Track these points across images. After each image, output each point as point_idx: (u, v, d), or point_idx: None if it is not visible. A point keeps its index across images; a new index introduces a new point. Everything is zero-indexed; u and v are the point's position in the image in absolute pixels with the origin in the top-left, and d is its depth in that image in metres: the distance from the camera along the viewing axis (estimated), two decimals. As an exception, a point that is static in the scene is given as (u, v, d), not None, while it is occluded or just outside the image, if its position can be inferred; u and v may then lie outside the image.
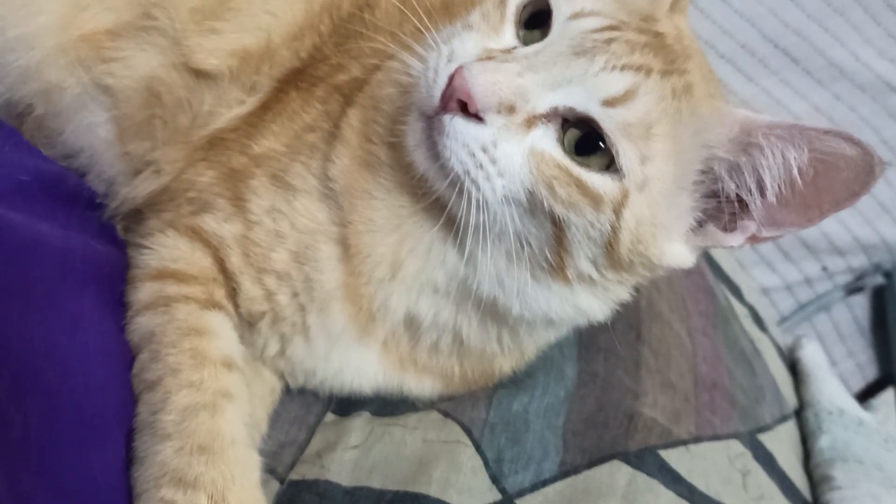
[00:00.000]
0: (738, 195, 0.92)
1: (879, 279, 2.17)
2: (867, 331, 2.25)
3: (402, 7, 1.04)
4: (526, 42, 0.94)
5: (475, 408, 1.16)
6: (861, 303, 2.24)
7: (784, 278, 2.18)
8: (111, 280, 1.03)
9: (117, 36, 1.11)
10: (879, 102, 2.04)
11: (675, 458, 1.17)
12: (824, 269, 2.18)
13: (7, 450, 0.80)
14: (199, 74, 1.10)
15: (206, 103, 1.11)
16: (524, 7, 0.96)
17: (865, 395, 2.09)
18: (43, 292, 0.91)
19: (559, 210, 0.88)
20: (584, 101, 0.87)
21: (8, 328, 0.84)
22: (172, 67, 1.11)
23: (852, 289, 2.21)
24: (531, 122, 0.88)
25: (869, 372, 2.26)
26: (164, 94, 1.11)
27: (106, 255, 1.06)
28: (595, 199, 0.88)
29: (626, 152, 0.87)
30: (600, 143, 0.88)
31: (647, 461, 1.14)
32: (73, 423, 0.86)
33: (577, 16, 0.93)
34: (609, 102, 0.87)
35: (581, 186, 0.87)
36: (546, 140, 0.88)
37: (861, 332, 2.25)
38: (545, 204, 0.88)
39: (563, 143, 0.89)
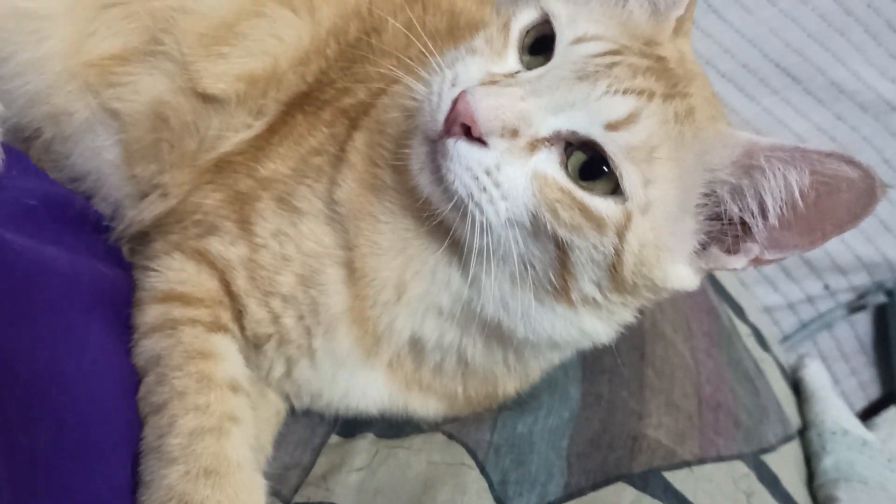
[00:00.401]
0: (741, 218, 0.92)
1: (881, 297, 2.16)
2: (869, 349, 2.24)
3: (407, 32, 1.04)
4: (529, 67, 0.95)
5: (480, 429, 1.16)
6: (863, 321, 2.23)
7: (786, 297, 2.18)
8: (117, 303, 1.03)
9: (125, 61, 1.12)
10: (881, 122, 2.04)
11: (679, 479, 1.17)
12: (826, 287, 2.18)
13: (15, 473, 0.80)
14: (207, 99, 1.11)
15: (213, 127, 1.12)
16: (527, 32, 0.97)
17: (868, 414, 2.08)
18: (50, 317, 0.91)
19: (562, 233, 0.88)
20: (587, 125, 0.88)
21: (15, 353, 0.84)
22: (180, 92, 1.11)
23: (854, 307, 2.20)
24: (534, 145, 0.88)
25: (871, 390, 2.25)
26: (171, 118, 1.12)
27: (112, 278, 1.06)
28: (598, 223, 0.88)
29: (629, 175, 0.87)
30: (604, 168, 0.88)
31: (652, 483, 1.14)
32: (79, 447, 0.86)
33: (579, 40, 0.93)
34: (612, 126, 0.87)
35: (584, 210, 0.88)
36: (549, 163, 0.89)
37: (863, 351, 2.24)
38: (549, 227, 0.88)
39: (566, 167, 0.89)
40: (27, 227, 0.99)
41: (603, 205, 0.88)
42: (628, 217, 0.88)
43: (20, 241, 0.94)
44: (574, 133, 0.88)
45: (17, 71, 1.10)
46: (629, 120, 0.88)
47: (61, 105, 1.12)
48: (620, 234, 0.89)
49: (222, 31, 1.11)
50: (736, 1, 1.93)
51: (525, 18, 0.97)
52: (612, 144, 0.87)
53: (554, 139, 0.89)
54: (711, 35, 1.95)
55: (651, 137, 0.88)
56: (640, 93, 0.89)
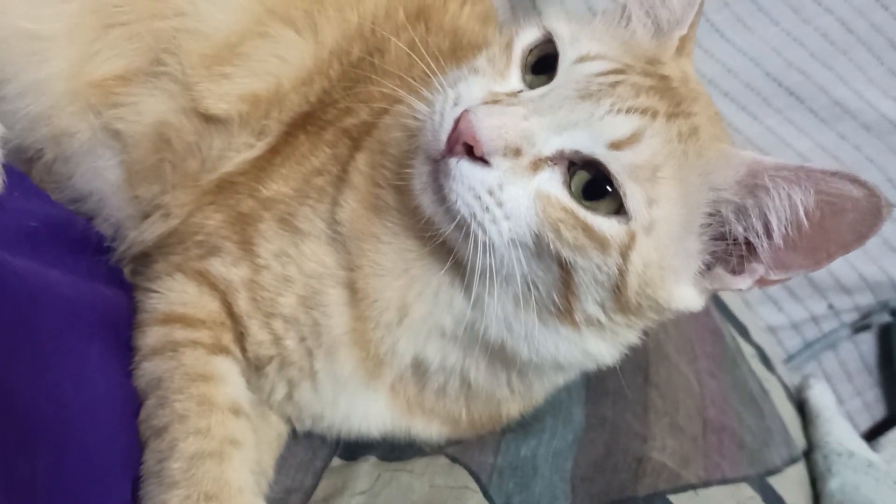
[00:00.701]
0: (745, 238, 0.91)
1: (886, 317, 2.15)
2: (874, 369, 2.23)
3: (410, 52, 1.04)
4: (532, 86, 0.94)
5: (483, 452, 1.15)
6: (868, 341, 2.22)
7: (790, 317, 2.17)
8: (118, 325, 1.03)
9: (127, 81, 1.12)
10: (884, 141, 2.04)
11: (684, 502, 1.15)
12: (830, 307, 2.17)
13: (14, 499, 0.79)
14: (209, 119, 1.11)
15: (215, 147, 1.12)
16: (530, 51, 0.97)
17: (873, 434, 2.07)
18: (50, 342, 0.90)
19: (566, 253, 0.87)
20: (590, 145, 0.87)
21: (16, 378, 0.84)
22: (182, 112, 1.11)
23: (859, 327, 2.19)
24: (537, 165, 0.88)
25: (876, 410, 2.24)
26: (173, 139, 1.12)
27: (113, 300, 1.06)
28: (601, 243, 0.87)
29: (633, 194, 0.87)
30: (608, 187, 0.87)
31: (657, 506, 1.13)
32: (79, 473, 0.86)
33: (582, 59, 0.93)
34: (615, 145, 0.87)
35: (587, 230, 0.87)
36: (552, 183, 0.88)
37: (868, 371, 2.23)
38: (552, 247, 0.87)
39: (569, 187, 0.88)
40: (28, 249, 0.99)
41: (606, 224, 0.87)
42: (632, 237, 0.88)
43: (21, 264, 0.93)
44: (577, 152, 0.88)
45: (19, 92, 1.10)
46: (632, 139, 0.87)
47: (63, 126, 1.12)
48: (624, 255, 0.88)
49: (225, 52, 1.11)
50: (738, 20, 1.94)
51: (527, 38, 0.97)
52: (615, 164, 0.87)
53: (557, 158, 0.88)
54: (713, 54, 1.95)
55: (655, 156, 0.88)
56: (644, 112, 0.89)
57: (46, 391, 0.86)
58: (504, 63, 0.97)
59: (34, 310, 0.90)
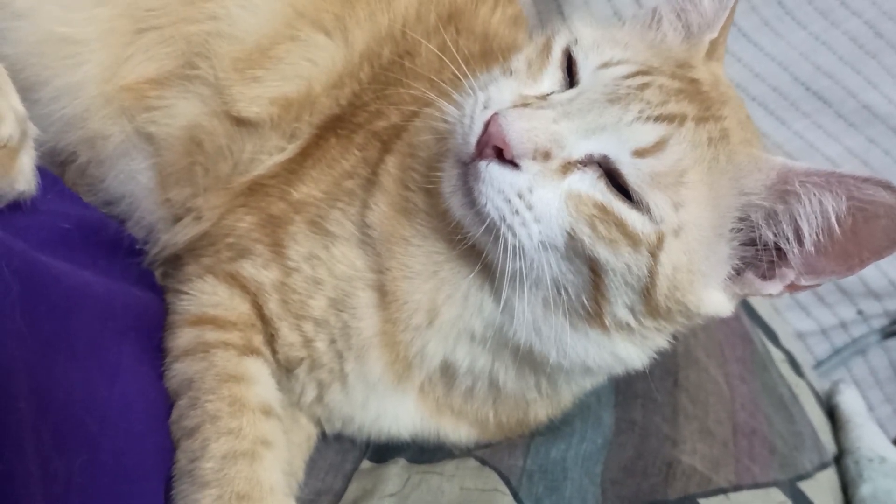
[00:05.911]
0: (776, 243, 0.91)
1: (917, 323, 2.14)
2: (905, 375, 2.21)
3: (441, 55, 1.04)
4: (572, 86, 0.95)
5: (512, 455, 1.14)
6: (898, 347, 2.20)
7: (819, 322, 2.15)
8: (150, 327, 1.04)
9: (160, 85, 1.12)
10: (914, 146, 2.03)
11: (715, 507, 1.15)
12: (860, 312, 2.15)
13: (50, 496, 0.80)
14: (241, 122, 1.12)
15: (246, 151, 1.12)
16: (568, 52, 0.97)
17: (904, 441, 2.05)
18: (85, 342, 0.91)
19: (599, 250, 0.87)
20: (617, 151, 0.88)
21: (51, 379, 0.84)
22: (214, 115, 1.12)
23: (888, 333, 2.17)
24: (567, 168, 0.88)
25: (907, 417, 2.22)
26: (205, 142, 1.13)
27: (145, 302, 1.06)
28: (633, 239, 0.87)
29: (655, 202, 0.87)
30: None
31: (688, 510, 1.13)
32: (113, 473, 0.86)
33: (606, 65, 0.94)
34: (639, 153, 0.87)
35: (620, 225, 0.87)
36: (584, 182, 0.88)
37: (898, 377, 2.21)
38: (586, 243, 0.87)
39: (605, 180, 0.88)
40: (62, 251, 0.99)
41: (640, 220, 0.87)
42: (661, 237, 0.88)
43: (55, 265, 0.94)
44: (605, 157, 0.88)
45: (54, 95, 1.11)
46: (656, 147, 0.88)
47: (97, 129, 1.13)
48: (654, 255, 0.88)
49: (257, 55, 1.12)
50: (766, 24, 1.93)
51: (563, 40, 0.98)
52: (636, 174, 0.87)
53: (587, 161, 0.88)
54: (741, 59, 1.94)
55: (680, 162, 0.88)
56: (672, 118, 0.89)
57: (81, 390, 0.87)
58: (540, 64, 0.97)
59: (68, 310, 0.91)
